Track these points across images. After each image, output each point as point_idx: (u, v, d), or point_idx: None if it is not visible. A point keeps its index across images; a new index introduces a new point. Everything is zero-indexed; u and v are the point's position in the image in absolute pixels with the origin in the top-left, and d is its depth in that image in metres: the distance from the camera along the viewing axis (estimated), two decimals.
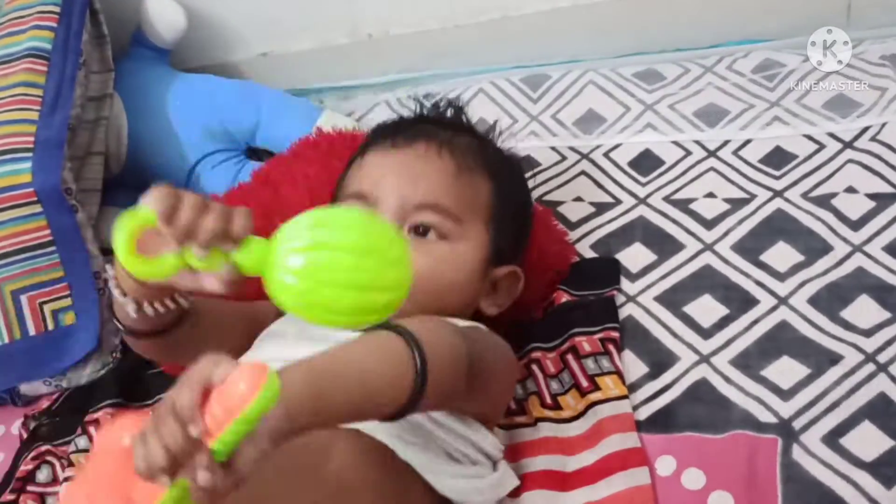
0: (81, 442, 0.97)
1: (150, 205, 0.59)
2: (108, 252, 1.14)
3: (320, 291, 0.59)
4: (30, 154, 1.02)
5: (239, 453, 0.53)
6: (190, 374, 0.54)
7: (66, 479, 0.94)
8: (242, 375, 0.52)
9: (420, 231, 0.83)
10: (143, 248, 0.61)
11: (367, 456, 0.71)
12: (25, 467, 0.98)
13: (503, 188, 0.89)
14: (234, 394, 0.52)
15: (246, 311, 0.86)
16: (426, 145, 0.86)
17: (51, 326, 1.03)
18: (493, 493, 0.78)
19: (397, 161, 0.86)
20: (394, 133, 0.89)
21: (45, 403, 1.07)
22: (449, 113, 0.97)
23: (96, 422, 0.99)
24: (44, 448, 0.99)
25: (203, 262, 0.60)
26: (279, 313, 0.84)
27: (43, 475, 0.97)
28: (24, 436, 1.03)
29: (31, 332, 1.02)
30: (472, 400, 0.75)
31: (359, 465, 0.70)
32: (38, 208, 1.00)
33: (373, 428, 0.71)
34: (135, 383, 1.04)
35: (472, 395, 0.74)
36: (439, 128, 0.90)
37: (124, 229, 0.60)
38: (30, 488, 0.97)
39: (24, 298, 1.02)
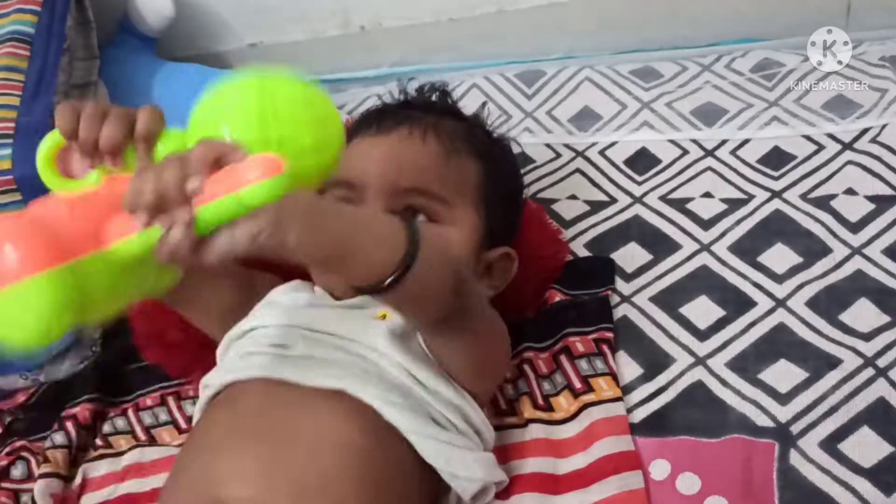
0: (58, 438, 0.95)
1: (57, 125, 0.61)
2: None
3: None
4: (10, 141, 0.99)
5: (216, 237, 0.52)
6: (210, 142, 0.53)
7: (41, 476, 0.92)
8: (257, 163, 0.52)
9: (409, 215, 0.82)
10: (71, 168, 0.62)
11: (352, 418, 0.71)
12: (0, 463, 0.95)
13: (492, 170, 0.88)
14: (242, 175, 0.52)
15: (242, 272, 0.87)
16: (411, 129, 0.85)
17: None
18: (481, 470, 0.75)
19: (382, 146, 0.85)
20: (378, 119, 0.88)
21: (21, 398, 1.05)
22: (434, 97, 0.96)
23: (74, 417, 0.96)
24: (19, 443, 0.97)
25: (120, 169, 0.60)
26: (276, 282, 0.85)
27: (18, 471, 0.95)
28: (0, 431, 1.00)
29: None
30: (459, 332, 0.72)
31: (343, 428, 0.70)
32: (17, 196, 0.98)
33: (358, 389, 0.72)
34: (114, 378, 1.02)
35: (460, 324, 0.71)
36: (424, 112, 0.89)
37: (38, 155, 0.61)
38: (4, 484, 0.94)
39: None
